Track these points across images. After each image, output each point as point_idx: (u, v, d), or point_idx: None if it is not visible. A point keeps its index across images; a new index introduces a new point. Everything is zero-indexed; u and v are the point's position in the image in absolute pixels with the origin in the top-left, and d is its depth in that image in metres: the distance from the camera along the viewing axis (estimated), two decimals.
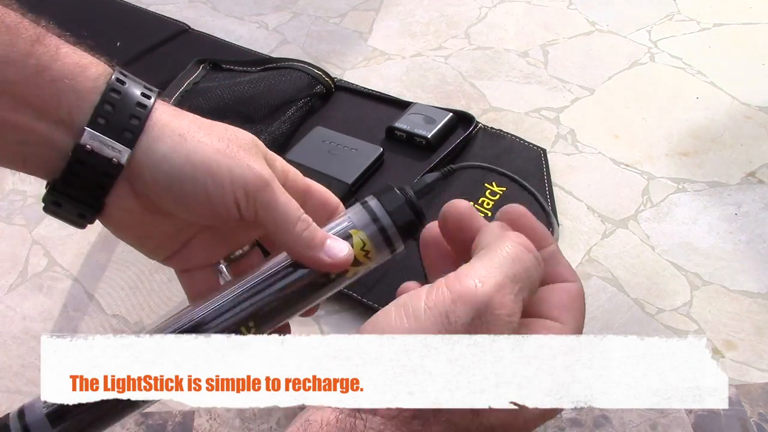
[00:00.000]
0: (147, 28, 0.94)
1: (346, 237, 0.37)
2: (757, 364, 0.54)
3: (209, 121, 0.37)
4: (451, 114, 0.75)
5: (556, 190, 0.69)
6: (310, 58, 0.87)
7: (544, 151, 0.72)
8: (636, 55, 0.88)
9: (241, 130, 0.38)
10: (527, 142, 0.74)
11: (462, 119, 0.76)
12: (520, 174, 0.70)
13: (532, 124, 0.78)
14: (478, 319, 0.27)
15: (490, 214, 0.65)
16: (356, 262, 0.37)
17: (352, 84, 0.83)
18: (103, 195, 0.35)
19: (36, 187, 0.71)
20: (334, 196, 0.42)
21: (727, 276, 0.61)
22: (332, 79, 0.81)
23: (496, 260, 0.29)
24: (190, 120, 0.36)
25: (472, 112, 0.77)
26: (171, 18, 0.96)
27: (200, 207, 0.35)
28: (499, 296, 0.28)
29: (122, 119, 0.34)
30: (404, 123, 0.74)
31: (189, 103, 0.74)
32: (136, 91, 0.35)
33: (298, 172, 0.41)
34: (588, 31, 0.93)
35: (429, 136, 0.72)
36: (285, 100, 0.76)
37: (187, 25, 0.94)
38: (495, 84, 0.84)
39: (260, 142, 0.38)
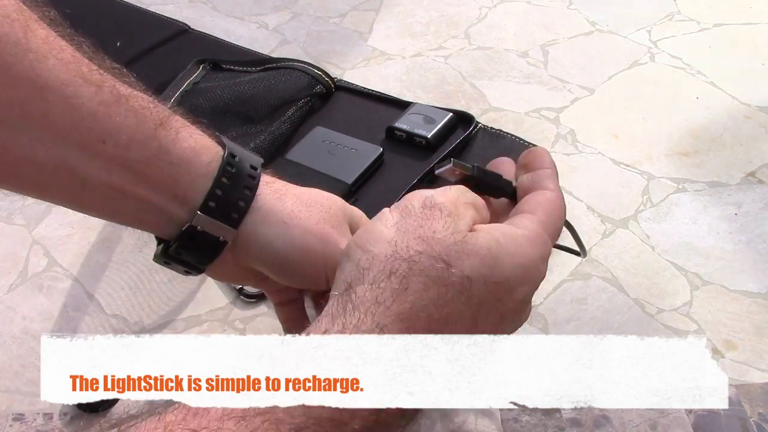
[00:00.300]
0: (147, 28, 0.94)
1: None
2: (757, 364, 0.54)
3: (306, 194, 0.42)
4: (451, 114, 0.75)
5: None
6: (310, 58, 0.87)
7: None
8: (636, 55, 0.88)
9: (332, 197, 0.43)
10: (527, 142, 0.74)
11: (462, 119, 0.76)
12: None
13: (532, 124, 0.78)
14: (428, 209, 0.32)
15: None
16: None
17: (352, 84, 0.83)
18: (208, 263, 0.40)
19: None
20: None
21: (727, 276, 0.61)
22: (332, 79, 0.81)
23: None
24: (292, 202, 0.41)
25: (472, 112, 0.77)
26: (171, 18, 0.96)
27: (296, 282, 0.41)
28: (440, 196, 0.33)
29: (231, 202, 0.39)
30: (404, 123, 0.74)
31: (189, 102, 0.74)
32: (243, 171, 0.39)
33: (362, 215, 0.45)
34: (588, 31, 0.93)
35: (429, 136, 0.72)
36: (285, 100, 0.76)
37: (187, 25, 0.94)
38: (495, 84, 0.84)
39: (346, 206, 0.44)
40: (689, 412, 0.51)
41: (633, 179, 0.71)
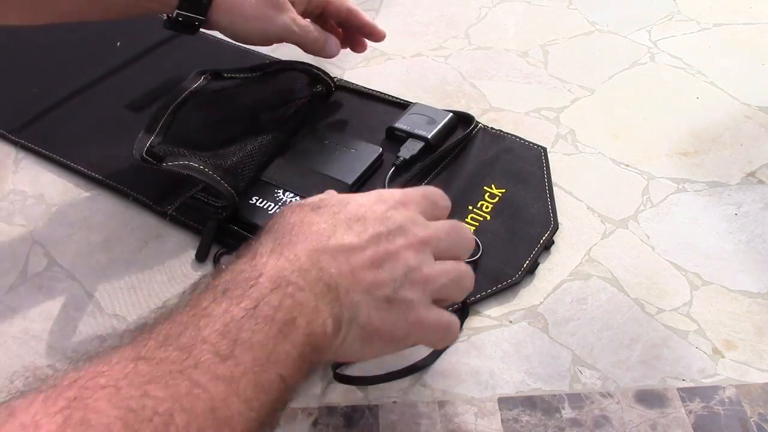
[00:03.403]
0: (147, 28, 0.94)
1: None
2: (757, 364, 0.54)
3: None
4: (451, 114, 0.75)
5: (556, 190, 0.69)
6: (310, 58, 0.87)
7: (545, 149, 0.72)
8: (636, 55, 0.88)
9: None
10: (527, 141, 0.74)
11: (462, 119, 0.76)
12: (520, 174, 0.70)
13: (532, 124, 0.78)
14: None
15: (489, 218, 0.65)
16: None
17: (352, 84, 0.83)
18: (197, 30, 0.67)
19: (36, 187, 0.71)
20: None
21: (727, 276, 0.61)
22: (332, 79, 0.81)
23: None
24: None
25: (472, 112, 0.77)
26: None
27: (256, 45, 0.73)
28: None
29: (198, 4, 0.64)
30: (404, 123, 0.74)
31: (189, 105, 0.74)
32: None
33: None
34: (588, 31, 0.93)
35: (429, 137, 0.72)
36: (285, 100, 0.76)
37: None
38: (495, 84, 0.84)
39: None
40: (689, 412, 0.51)
41: (633, 179, 0.71)
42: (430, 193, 0.48)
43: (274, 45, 0.73)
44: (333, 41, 0.71)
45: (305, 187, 0.66)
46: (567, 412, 0.51)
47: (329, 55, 0.72)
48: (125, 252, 0.64)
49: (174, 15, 0.63)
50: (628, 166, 0.72)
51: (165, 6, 0.64)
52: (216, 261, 0.62)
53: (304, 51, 0.71)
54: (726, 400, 0.51)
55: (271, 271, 0.38)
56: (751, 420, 0.50)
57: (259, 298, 0.36)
